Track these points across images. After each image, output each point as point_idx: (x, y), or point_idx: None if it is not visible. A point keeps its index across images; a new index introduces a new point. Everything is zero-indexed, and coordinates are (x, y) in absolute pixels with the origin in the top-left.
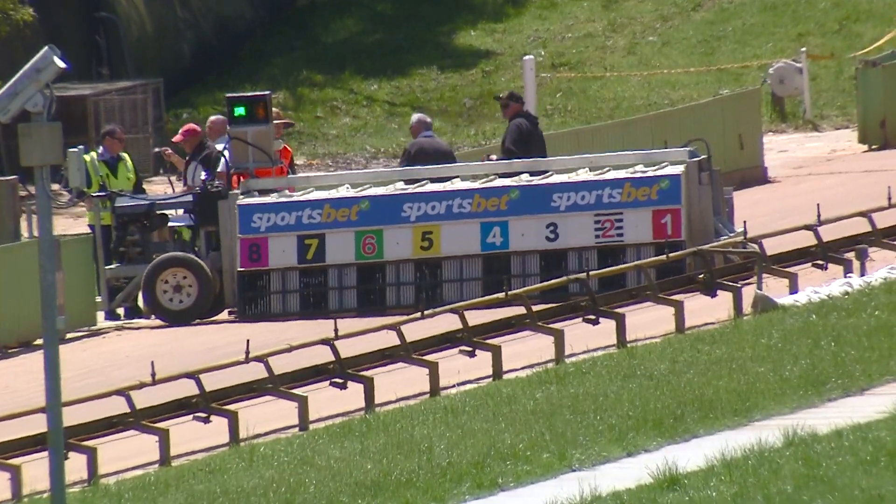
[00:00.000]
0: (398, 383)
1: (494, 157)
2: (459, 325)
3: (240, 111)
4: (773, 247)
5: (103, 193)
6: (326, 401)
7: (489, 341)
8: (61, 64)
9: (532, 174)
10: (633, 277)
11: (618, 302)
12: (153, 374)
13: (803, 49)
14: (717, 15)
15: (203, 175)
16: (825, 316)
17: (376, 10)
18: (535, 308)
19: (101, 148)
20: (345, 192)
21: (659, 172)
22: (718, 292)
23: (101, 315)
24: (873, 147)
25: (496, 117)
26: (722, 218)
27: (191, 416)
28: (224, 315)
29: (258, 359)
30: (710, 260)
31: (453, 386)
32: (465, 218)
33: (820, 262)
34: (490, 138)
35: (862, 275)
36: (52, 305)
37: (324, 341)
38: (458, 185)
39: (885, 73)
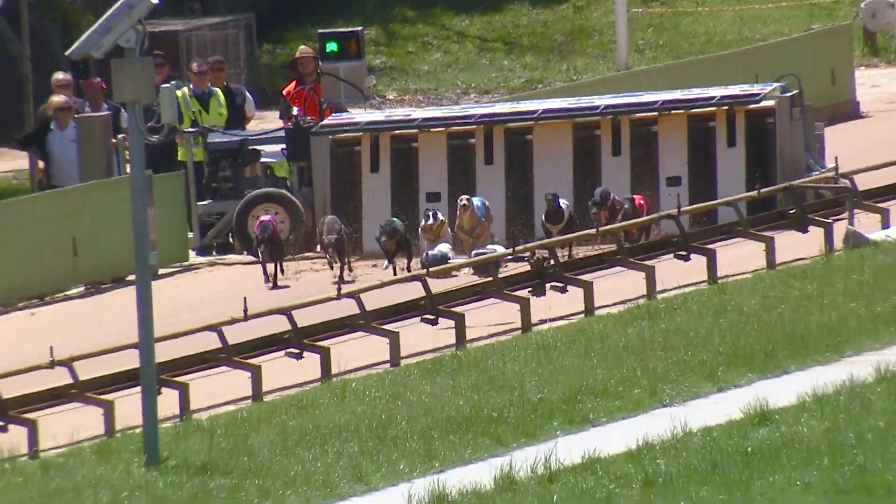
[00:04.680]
0: (489, 319)
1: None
2: (551, 261)
3: (332, 47)
4: (864, 182)
5: (195, 129)
6: (418, 337)
7: (581, 277)
8: (153, 0)
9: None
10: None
11: (709, 238)
12: (245, 310)
13: None
14: None
15: (295, 111)
16: None
17: None
18: (625, 244)
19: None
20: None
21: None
22: (809, 228)
23: (192, 251)
24: None
25: (588, 52)
26: (813, 153)
27: (283, 353)
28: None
29: (350, 295)
30: (801, 195)
31: (545, 322)
32: None
33: None
34: (582, 73)
35: None
36: (143, 241)
37: (415, 277)
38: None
39: None
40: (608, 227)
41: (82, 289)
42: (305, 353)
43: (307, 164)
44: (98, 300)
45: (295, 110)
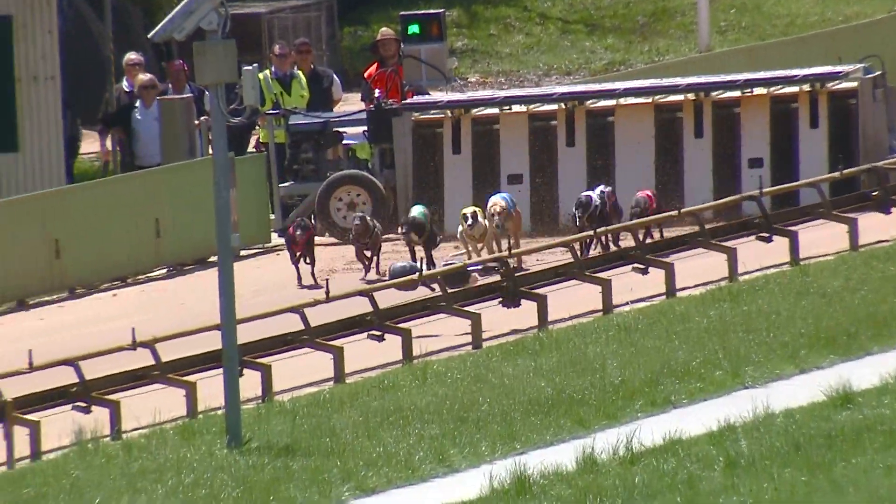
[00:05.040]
0: (571, 301)
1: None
2: (632, 243)
3: (413, 29)
4: None
5: (277, 111)
6: (499, 319)
7: (662, 259)
8: None
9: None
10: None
11: (791, 219)
12: (327, 292)
13: None
14: None
15: (376, 93)
16: None
17: None
18: (707, 226)
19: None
20: (517, 108)
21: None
22: (892, 209)
23: (274, 233)
24: None
25: (669, 34)
26: None
27: (364, 335)
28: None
29: (431, 277)
30: (884, 176)
31: (626, 304)
32: None
33: None
34: (663, 55)
35: None
36: (226, 223)
37: (496, 259)
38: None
39: None
40: (690, 208)
41: (165, 270)
42: (387, 335)
43: (389, 146)
44: (180, 281)
45: (377, 92)
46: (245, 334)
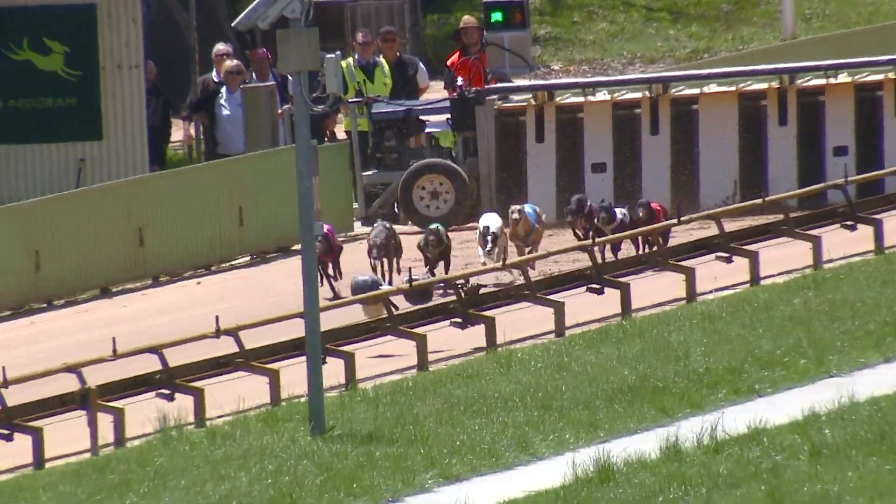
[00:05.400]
0: (655, 289)
1: None
2: (717, 231)
3: (497, 16)
4: None
5: (360, 99)
6: (582, 307)
7: (746, 247)
8: None
9: None
10: (892, 183)
11: (875, 208)
12: (410, 280)
13: None
14: None
15: (459, 81)
16: None
17: None
18: (792, 214)
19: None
20: (601, 97)
21: None
22: None
23: (357, 221)
24: None
25: (754, 21)
26: None
27: (448, 322)
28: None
29: (515, 265)
30: None
31: (710, 292)
32: None
33: None
34: (747, 43)
35: None
36: (308, 211)
37: (581, 248)
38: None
39: None
40: (774, 196)
41: (248, 258)
42: (470, 323)
43: (472, 135)
44: (263, 269)
45: (459, 80)
46: (328, 321)
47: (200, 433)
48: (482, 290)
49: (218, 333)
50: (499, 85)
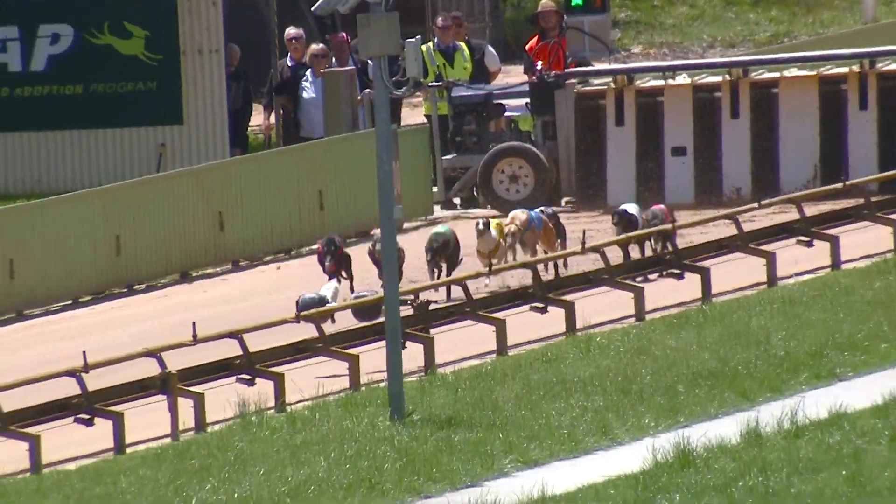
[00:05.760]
0: (734, 274)
1: None
2: (797, 216)
3: (576, 1)
4: None
5: (440, 83)
6: (662, 291)
7: (826, 231)
8: None
9: None
10: None
11: None
12: (489, 265)
13: None
14: None
15: (539, 65)
16: None
17: None
18: (872, 198)
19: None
20: (681, 80)
21: None
22: None
23: (436, 205)
24: None
25: (834, 5)
26: None
27: (527, 307)
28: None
29: (594, 249)
30: None
31: (791, 276)
32: None
33: None
34: (827, 27)
35: None
36: (388, 195)
37: (659, 232)
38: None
39: None
40: (855, 180)
41: None
42: (550, 308)
43: (551, 118)
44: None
45: (539, 64)
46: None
47: (280, 418)
48: (432, 307)
49: (298, 318)
50: (578, 69)
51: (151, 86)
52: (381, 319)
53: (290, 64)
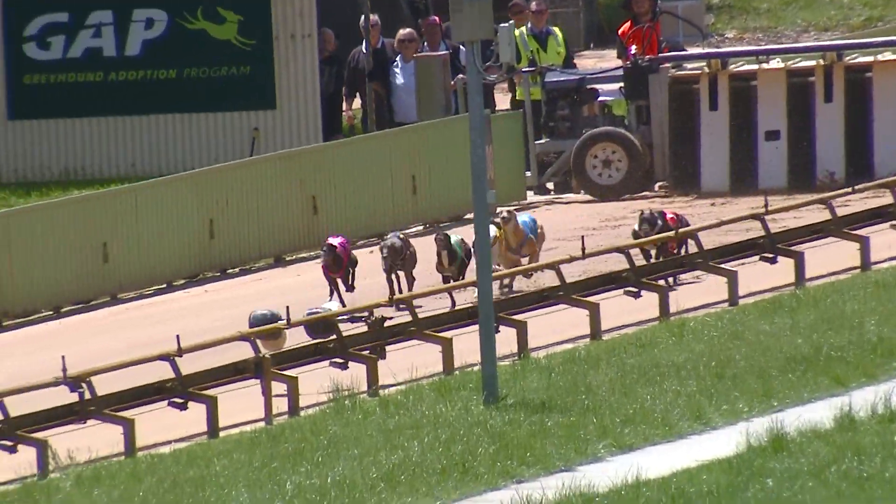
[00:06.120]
0: (828, 258)
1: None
2: (891, 200)
3: None
4: None
5: (533, 68)
6: (755, 276)
7: None
8: None
9: None
10: None
11: None
12: (583, 248)
13: None
14: None
15: (633, 49)
16: None
17: None
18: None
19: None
20: (775, 64)
21: None
22: None
23: (529, 190)
24: None
25: None
26: None
27: (621, 291)
28: (654, 190)
29: (687, 235)
30: None
31: (885, 261)
32: None
33: None
34: None
35: None
36: (481, 180)
37: (753, 216)
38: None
39: None
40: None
41: (421, 227)
42: (643, 292)
43: (645, 103)
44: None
45: (633, 49)
46: (499, 290)
47: (373, 402)
48: (387, 323)
49: (391, 302)
50: (672, 53)
51: (244, 70)
52: (333, 336)
53: (364, 50)
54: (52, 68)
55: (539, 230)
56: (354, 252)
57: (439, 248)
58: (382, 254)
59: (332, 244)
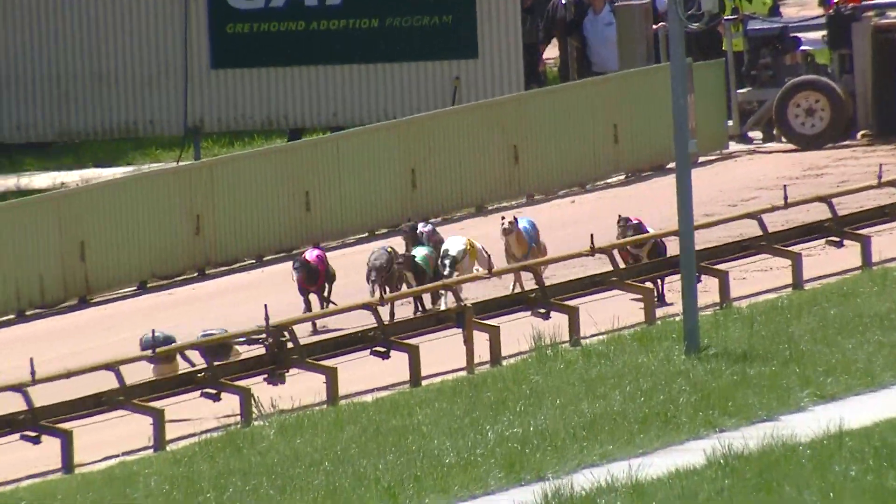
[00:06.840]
0: None
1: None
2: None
3: None
4: None
5: (736, 17)
6: None
7: None
8: None
9: None
10: None
11: None
12: (785, 198)
13: None
14: None
15: None
16: None
17: None
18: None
19: None
20: None
21: None
22: None
23: (731, 140)
24: None
25: None
26: None
27: (823, 240)
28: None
29: (891, 183)
30: None
31: None
32: None
33: None
34: None
35: None
36: (683, 129)
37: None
38: None
39: None
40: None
41: (622, 177)
42: (846, 242)
43: (848, 52)
44: (637, 188)
45: None
46: (700, 240)
47: (575, 352)
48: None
49: (592, 251)
50: (874, 1)
51: (447, 20)
52: (232, 359)
53: (563, 1)
54: (255, 17)
55: (538, 236)
56: (553, 199)
57: (404, 268)
58: (370, 277)
59: (306, 259)
